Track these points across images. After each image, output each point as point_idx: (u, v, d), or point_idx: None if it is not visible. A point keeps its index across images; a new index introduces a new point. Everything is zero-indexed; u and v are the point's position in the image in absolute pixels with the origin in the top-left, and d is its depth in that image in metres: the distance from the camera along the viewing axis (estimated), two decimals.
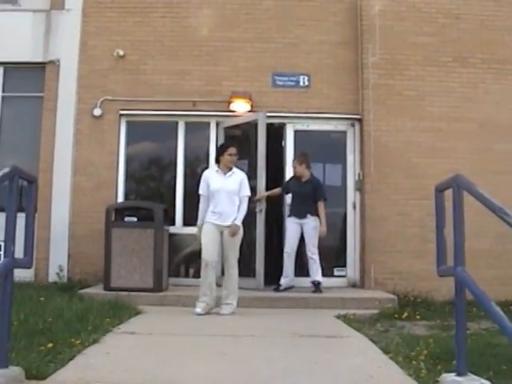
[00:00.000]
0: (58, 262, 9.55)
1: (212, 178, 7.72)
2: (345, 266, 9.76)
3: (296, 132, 9.98)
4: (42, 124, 10.06)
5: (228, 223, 7.54)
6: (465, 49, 9.90)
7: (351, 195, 9.89)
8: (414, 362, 4.57)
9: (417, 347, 5.06)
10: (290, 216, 9.22)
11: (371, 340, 5.61)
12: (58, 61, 10.10)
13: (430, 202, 8.29)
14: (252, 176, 8.67)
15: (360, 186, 9.74)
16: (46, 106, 10.10)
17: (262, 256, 9.03)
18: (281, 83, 10.00)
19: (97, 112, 9.92)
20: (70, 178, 9.84)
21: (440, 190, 4.35)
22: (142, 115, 9.92)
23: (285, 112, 9.90)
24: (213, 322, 6.88)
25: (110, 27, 10.12)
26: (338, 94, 9.99)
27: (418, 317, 7.59)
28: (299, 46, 10.07)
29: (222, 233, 7.56)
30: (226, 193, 7.58)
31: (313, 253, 8.88)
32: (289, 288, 8.92)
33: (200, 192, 7.76)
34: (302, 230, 8.99)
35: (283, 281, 8.94)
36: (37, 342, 4.84)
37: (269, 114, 9.51)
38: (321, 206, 8.95)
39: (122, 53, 9.98)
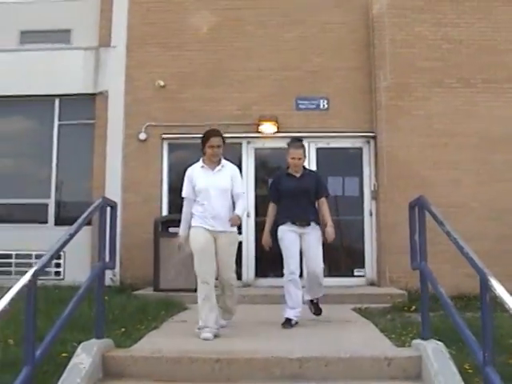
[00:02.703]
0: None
1: (197, 175, 6.46)
2: (363, 266, 10.80)
3: (318, 149, 11.05)
4: (94, 148, 11.30)
5: (222, 228, 6.28)
6: (466, 71, 10.82)
7: (368, 204, 10.96)
8: (403, 338, 5.82)
9: (409, 328, 6.28)
10: (283, 223, 6.99)
11: (375, 324, 6.87)
12: (107, 92, 11.37)
13: (438, 209, 9.52)
14: None
15: (375, 196, 10.84)
16: (97, 132, 11.35)
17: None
18: (303, 106, 11.11)
19: (142, 136, 11.13)
20: (120, 195, 10.87)
21: (411, 207, 5.56)
22: (182, 138, 11.01)
23: (307, 132, 10.73)
24: (245, 311, 7.93)
25: (151, 61, 11.29)
26: (355, 114, 11.02)
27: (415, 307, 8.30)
28: (319, 72, 11.11)
29: (215, 240, 6.31)
30: (217, 191, 6.33)
31: (319, 274, 6.97)
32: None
33: (183, 194, 6.55)
34: (301, 243, 6.98)
35: (292, 313, 6.77)
36: (111, 327, 6.14)
37: (293, 135, 10.69)
38: (324, 203, 7.15)
39: (162, 83, 11.18)
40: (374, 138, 10.96)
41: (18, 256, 11.22)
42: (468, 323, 4.44)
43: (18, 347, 5.24)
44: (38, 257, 10.95)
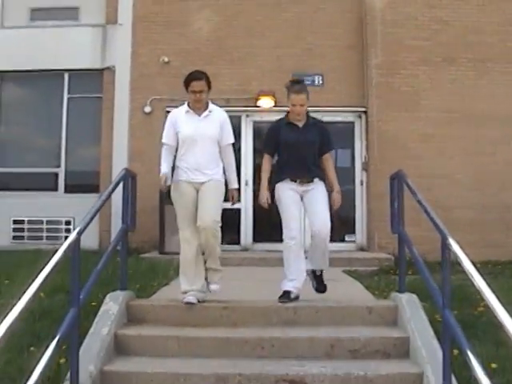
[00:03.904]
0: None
1: (181, 120, 5.78)
2: (354, 233, 11.64)
3: None
4: (102, 120, 12.04)
5: (204, 179, 5.69)
6: (453, 50, 11.52)
7: (359, 174, 11.76)
8: (384, 294, 6.64)
9: (391, 286, 7.06)
10: (281, 180, 5.98)
11: (361, 283, 7.68)
12: (114, 67, 12.05)
13: (423, 180, 10.39)
14: None
15: (366, 167, 11.63)
16: (104, 105, 12.06)
17: None
18: None
19: (147, 109, 11.85)
20: (127, 164, 11.45)
21: (392, 179, 6.28)
22: None
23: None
24: (245, 271, 8.64)
25: (155, 38, 11.97)
26: (347, 90, 11.75)
27: (409, 272, 9.35)
28: (314, 50, 11.82)
29: (197, 192, 5.75)
30: (202, 140, 5.70)
31: (326, 236, 5.83)
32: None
33: (163, 140, 5.88)
34: (304, 200, 5.99)
35: (291, 285, 5.79)
36: (128, 284, 6.93)
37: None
38: (330, 160, 6.17)
39: (166, 59, 11.86)
40: (365, 112, 11.70)
41: (30, 222, 11.95)
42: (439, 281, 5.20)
43: (49, 299, 6.11)
44: (48, 223, 11.79)
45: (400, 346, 5.04)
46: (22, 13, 12.52)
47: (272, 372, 4.56)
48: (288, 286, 5.82)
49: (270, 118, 11.52)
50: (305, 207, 6.00)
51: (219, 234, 5.73)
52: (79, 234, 4.36)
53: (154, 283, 7.24)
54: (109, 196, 5.51)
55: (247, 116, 11.96)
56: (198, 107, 5.81)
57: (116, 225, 11.83)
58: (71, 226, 11.85)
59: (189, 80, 5.79)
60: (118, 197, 11.55)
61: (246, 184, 11.52)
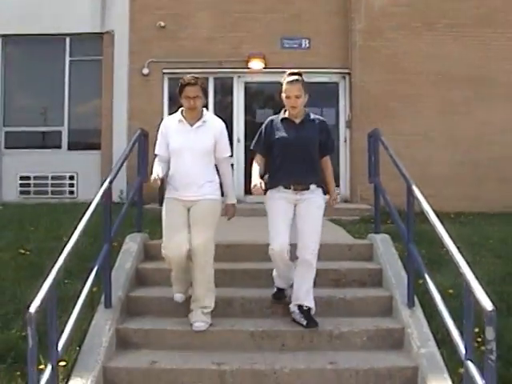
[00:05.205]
0: (119, 187, 10.92)
1: (172, 130, 5.38)
2: (338, 186, 12.42)
3: None
4: (102, 81, 12.77)
5: (196, 196, 5.24)
6: (430, 16, 12.27)
7: (343, 132, 12.63)
8: (363, 236, 7.63)
9: (369, 231, 7.96)
10: (272, 187, 5.40)
11: (344, 228, 8.66)
12: (113, 31, 12.70)
13: (402, 137, 11.28)
14: None
15: (349, 125, 12.50)
16: (104, 67, 12.77)
17: None
18: (287, 46, 12.57)
19: (145, 71, 12.57)
20: (126, 122, 12.48)
21: (369, 136, 7.23)
22: (180, 73, 12.02)
23: (291, 68, 12.37)
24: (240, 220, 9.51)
25: (152, 4, 12.63)
26: (332, 53, 12.52)
27: (388, 222, 10.14)
28: (301, 15, 12.54)
29: (188, 211, 5.31)
30: (193, 152, 5.23)
31: (312, 254, 5.32)
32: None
33: (156, 151, 5.48)
34: (296, 212, 5.39)
35: (279, 282, 5.62)
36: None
37: (279, 70, 12.30)
38: (329, 163, 5.62)
39: (163, 24, 12.55)
40: (349, 74, 12.52)
41: (35, 178, 12.79)
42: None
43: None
44: (53, 178, 12.65)
45: (374, 276, 6.11)
46: None
47: (268, 295, 5.58)
48: (280, 283, 5.61)
49: (261, 78, 12.54)
50: (295, 218, 5.38)
51: (211, 260, 5.31)
52: (110, 182, 5.27)
53: (158, 229, 8.13)
54: (130, 151, 6.40)
55: (239, 77, 12.73)
56: (192, 116, 5.34)
57: (117, 179, 12.61)
58: (74, 181, 12.74)
59: (182, 85, 5.33)
60: (117, 152, 12.44)
61: (238, 141, 12.38)
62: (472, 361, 3.75)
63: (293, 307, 5.40)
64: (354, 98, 12.45)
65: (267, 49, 12.54)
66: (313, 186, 5.35)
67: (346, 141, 12.59)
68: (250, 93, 12.90)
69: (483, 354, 3.59)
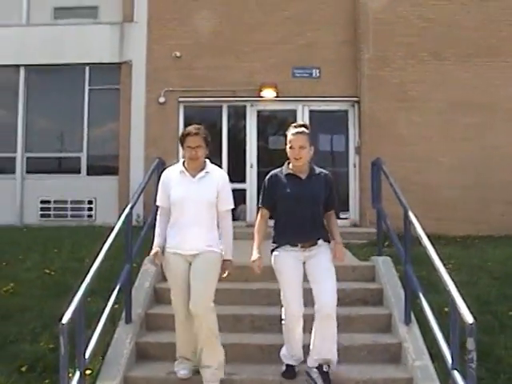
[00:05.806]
0: (136, 211, 12.08)
1: (174, 182, 5.24)
2: (348, 210, 12.91)
3: (310, 111, 13.06)
4: (120, 109, 13.28)
5: (197, 250, 5.11)
6: (438, 45, 12.65)
7: (352, 158, 13.01)
8: (367, 258, 7.99)
9: (373, 253, 8.35)
10: (279, 246, 5.31)
11: (350, 251, 8.98)
12: (131, 61, 13.28)
13: (410, 164, 11.63)
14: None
15: (358, 151, 12.87)
16: (122, 95, 13.31)
17: None
18: (298, 75, 13.03)
19: (161, 100, 13.07)
20: (143, 150, 13.01)
21: (373, 165, 7.65)
22: (195, 101, 13.09)
23: (301, 96, 12.94)
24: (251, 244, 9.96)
25: (169, 35, 13.17)
26: (342, 82, 12.96)
27: (392, 245, 10.48)
28: (312, 45, 13.00)
29: (190, 264, 5.15)
30: (195, 204, 5.10)
31: (333, 308, 5.11)
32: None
33: (157, 202, 5.40)
34: (306, 269, 5.28)
35: (289, 359, 5.40)
36: None
37: (290, 99, 12.85)
38: (333, 216, 5.50)
39: (178, 54, 13.09)
40: (358, 102, 12.93)
41: (55, 202, 13.28)
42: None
43: None
44: (72, 202, 13.12)
45: (376, 296, 6.54)
46: (46, 12, 13.80)
47: (277, 313, 5.94)
48: (290, 360, 5.39)
49: (273, 107, 13.02)
50: (307, 274, 5.25)
51: (214, 319, 5.17)
52: (131, 208, 5.70)
53: None
54: (149, 179, 6.85)
55: (251, 105, 13.19)
56: (194, 167, 5.24)
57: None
58: (93, 205, 13.20)
59: (184, 136, 5.26)
60: (135, 177, 12.94)
61: (251, 166, 12.79)
62: (458, 370, 4.12)
63: (312, 362, 5.20)
64: (363, 125, 12.82)
65: (279, 78, 12.99)
66: (320, 241, 5.25)
67: (355, 166, 12.96)
68: (263, 120, 13.35)
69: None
